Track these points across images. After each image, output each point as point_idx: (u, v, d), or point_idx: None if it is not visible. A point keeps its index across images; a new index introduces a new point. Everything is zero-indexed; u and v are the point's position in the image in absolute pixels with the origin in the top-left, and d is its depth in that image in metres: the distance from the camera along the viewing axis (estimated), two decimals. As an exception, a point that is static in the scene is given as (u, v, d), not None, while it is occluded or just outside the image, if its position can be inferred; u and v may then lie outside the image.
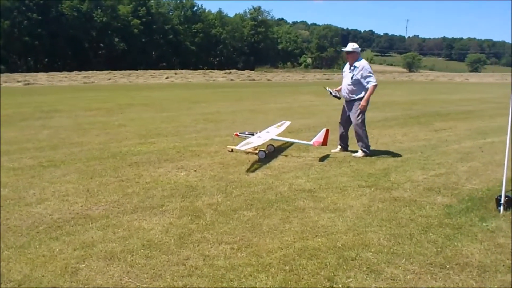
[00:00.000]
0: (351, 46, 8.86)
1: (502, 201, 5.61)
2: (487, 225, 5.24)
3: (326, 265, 4.25)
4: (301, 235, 4.96)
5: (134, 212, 5.63)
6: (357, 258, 4.40)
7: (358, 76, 8.68)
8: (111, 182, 6.90)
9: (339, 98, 9.34)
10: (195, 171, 7.60)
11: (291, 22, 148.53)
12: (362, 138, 8.85)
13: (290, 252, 4.52)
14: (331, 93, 9.29)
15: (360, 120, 8.81)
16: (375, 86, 8.66)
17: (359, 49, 9.01)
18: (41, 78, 38.93)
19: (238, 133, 9.18)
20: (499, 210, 5.62)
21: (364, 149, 8.88)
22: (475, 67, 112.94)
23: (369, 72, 8.65)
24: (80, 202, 5.98)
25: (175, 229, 5.09)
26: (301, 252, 4.53)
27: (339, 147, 9.36)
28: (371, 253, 4.50)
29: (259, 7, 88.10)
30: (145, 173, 7.44)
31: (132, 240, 4.79)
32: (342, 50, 9.54)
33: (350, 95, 8.85)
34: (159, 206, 5.83)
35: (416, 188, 6.76)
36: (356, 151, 8.99)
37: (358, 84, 8.72)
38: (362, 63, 8.75)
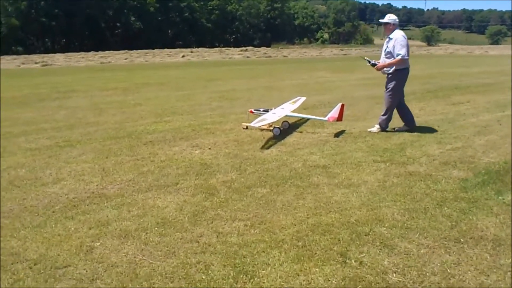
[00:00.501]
0: (388, 18, 8.53)
1: (520, 174, 5.52)
2: (503, 198, 5.17)
3: (339, 240, 4.25)
4: (314, 211, 4.96)
5: (148, 190, 5.69)
6: (370, 233, 4.39)
7: (391, 49, 8.34)
8: (127, 161, 6.97)
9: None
10: (209, 149, 7.62)
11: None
12: (385, 113, 8.63)
13: (303, 228, 4.52)
14: (369, 61, 8.81)
15: (389, 94, 8.51)
16: (402, 59, 8.23)
17: (396, 20, 8.54)
18: (59, 59, 39.19)
19: (253, 110, 9.15)
20: (517, 184, 5.53)
21: (382, 124, 8.70)
22: (495, 40, 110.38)
23: (401, 45, 8.20)
24: (95, 181, 6.06)
25: (189, 206, 5.13)
26: (314, 228, 4.53)
27: (403, 125, 8.95)
28: (384, 228, 4.48)
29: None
30: (160, 151, 7.49)
31: (147, 218, 4.84)
32: (380, 22, 9.00)
33: (384, 68, 8.55)
34: (173, 184, 5.88)
35: (432, 163, 6.68)
36: (374, 126, 8.86)
37: (391, 57, 8.39)
38: (396, 35, 8.32)
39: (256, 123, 7.94)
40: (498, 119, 9.99)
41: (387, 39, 8.50)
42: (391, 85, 8.47)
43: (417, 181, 5.86)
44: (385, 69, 8.52)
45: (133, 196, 5.49)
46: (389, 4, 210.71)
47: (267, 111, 8.88)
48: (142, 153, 7.38)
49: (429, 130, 8.91)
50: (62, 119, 10.52)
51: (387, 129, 8.75)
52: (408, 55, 8.27)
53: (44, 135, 8.79)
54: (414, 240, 4.23)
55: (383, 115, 8.70)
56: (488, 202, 5.12)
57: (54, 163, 6.90)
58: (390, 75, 8.49)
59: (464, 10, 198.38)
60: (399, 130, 8.78)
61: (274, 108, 9.01)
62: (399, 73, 8.43)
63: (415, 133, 8.60)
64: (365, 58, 9.10)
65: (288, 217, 4.80)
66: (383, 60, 8.58)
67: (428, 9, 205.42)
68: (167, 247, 4.19)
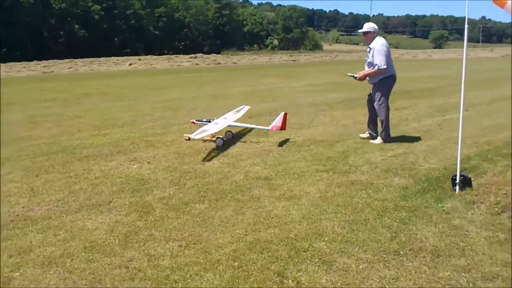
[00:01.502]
0: (366, 27, 8.27)
1: (457, 181, 5.53)
2: (442, 206, 5.15)
3: (277, 258, 4.07)
4: (253, 227, 4.77)
5: (79, 211, 5.33)
6: (309, 249, 4.23)
7: (371, 59, 8.11)
8: (58, 179, 6.55)
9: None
10: (148, 162, 7.31)
11: (256, 4, 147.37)
12: (385, 122, 8.35)
13: (241, 246, 4.32)
14: (354, 76, 8.53)
15: (379, 104, 8.25)
16: (379, 69, 8.00)
17: (374, 28, 8.22)
18: (-2, 69, 37.43)
19: (194, 121, 8.88)
20: (455, 190, 5.54)
21: (383, 136, 8.39)
22: (438, 44, 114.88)
23: (378, 53, 7.97)
24: (22, 202, 5.64)
25: (121, 227, 4.83)
26: (252, 245, 4.34)
27: (367, 133, 8.74)
28: (324, 243, 4.34)
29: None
30: (95, 167, 7.10)
31: (74, 242, 4.51)
32: (358, 32, 8.76)
33: (368, 79, 8.33)
34: (106, 203, 5.55)
35: (374, 170, 6.64)
36: (376, 137, 8.52)
37: (372, 67, 8.15)
38: (375, 43, 8.07)
39: (197, 134, 7.70)
40: (439, 124, 10.17)
41: (368, 49, 8.23)
42: (378, 95, 8.25)
43: (358, 191, 5.78)
44: (368, 79, 8.31)
45: (61, 218, 5.13)
46: (336, 10, 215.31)
47: (209, 121, 8.65)
48: (76, 170, 6.98)
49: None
50: (-7, 134, 9.87)
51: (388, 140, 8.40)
52: (386, 64, 7.97)
53: (-30, 152, 8.19)
54: (353, 254, 4.10)
55: (385, 124, 8.38)
56: (428, 210, 5.08)
57: (-23, 184, 6.40)
58: (375, 85, 8.31)
59: (408, 16, 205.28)
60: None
61: (217, 118, 8.79)
62: (383, 82, 8.20)
63: (359, 140, 8.60)
64: (348, 74, 8.81)
65: (226, 235, 4.59)
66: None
67: (373, 15, 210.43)
68: (93, 274, 3.89)
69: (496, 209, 4.98)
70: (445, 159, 7.18)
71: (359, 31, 8.50)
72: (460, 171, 5.65)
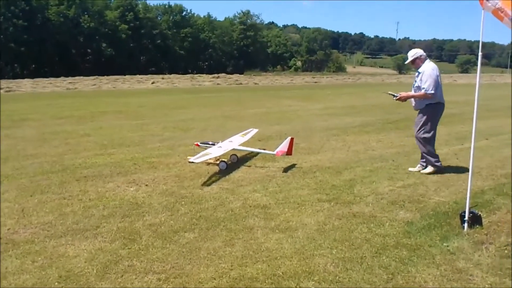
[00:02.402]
0: (413, 53, 7.83)
1: (466, 218, 5.14)
2: (447, 246, 4.76)
3: (259, 298, 3.76)
4: (240, 261, 4.47)
5: (63, 235, 5.12)
6: (296, 289, 3.91)
7: (419, 83, 7.64)
8: (51, 199, 6.37)
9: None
10: (146, 185, 7.09)
11: (281, 26, 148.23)
12: (426, 153, 7.83)
13: (223, 283, 4.03)
14: (394, 95, 8.05)
15: (421, 134, 7.75)
16: (425, 94, 7.50)
17: (421, 53, 7.78)
18: (26, 85, 38.10)
19: (198, 143, 8.66)
20: (463, 227, 5.14)
21: (433, 165, 7.85)
22: (465, 68, 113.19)
23: (427, 77, 7.49)
24: (9, 224, 5.46)
25: (102, 255, 4.58)
26: (235, 282, 4.04)
27: (419, 165, 8.11)
28: (313, 282, 4.02)
29: (248, 11, 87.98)
30: (91, 188, 6.91)
31: (50, 270, 4.28)
32: (405, 63, 8.28)
33: (413, 104, 7.92)
34: (93, 228, 5.32)
35: (379, 202, 6.28)
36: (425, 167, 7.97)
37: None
38: (424, 68, 7.63)
39: (198, 157, 7.46)
40: (455, 153, 9.73)
41: (417, 73, 7.81)
42: (421, 123, 7.75)
43: (359, 224, 5.43)
44: (414, 105, 7.89)
45: (44, 243, 4.92)
46: (361, 33, 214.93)
47: (213, 144, 8.42)
48: (71, 191, 6.80)
49: (383, 164, 8.56)
50: (2, 150, 9.80)
51: (438, 165, 7.87)
52: (434, 88, 7.47)
53: (-28, 169, 8.11)
54: (343, 297, 3.77)
55: (427, 155, 7.86)
56: (431, 249, 4.70)
57: (-32, 202, 6.26)
58: (420, 111, 7.83)
59: (434, 40, 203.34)
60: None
61: (221, 141, 8.56)
62: (430, 108, 7.69)
63: (368, 168, 8.24)
64: (389, 92, 8.29)
65: (210, 269, 4.29)
66: None
67: (399, 39, 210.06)
68: (61, 308, 3.63)
69: (506, 251, 4.59)
70: (457, 192, 6.76)
71: (407, 62, 8.02)
72: (471, 207, 5.27)
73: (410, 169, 8.12)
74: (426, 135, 7.76)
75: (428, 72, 7.56)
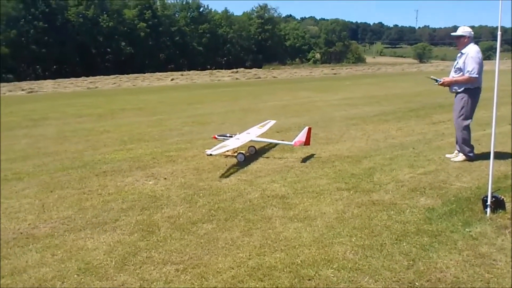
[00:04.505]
0: (461, 30, 7.55)
1: (489, 202, 5.01)
2: (470, 231, 4.65)
3: (277, 287, 3.72)
4: (259, 250, 4.44)
5: (83, 229, 5.16)
6: (314, 277, 3.87)
7: (461, 65, 7.42)
8: (71, 195, 6.43)
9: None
10: (165, 179, 7.10)
11: (299, 18, 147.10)
12: (461, 141, 7.69)
13: (241, 272, 4.00)
14: (436, 80, 7.85)
15: (461, 120, 7.58)
16: (470, 78, 7.31)
17: (470, 33, 7.51)
18: (47, 85, 38.72)
19: (216, 136, 8.65)
20: (486, 212, 5.02)
21: (465, 154, 7.71)
22: (487, 55, 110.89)
23: (473, 61, 7.27)
24: (29, 219, 5.53)
25: (121, 248, 4.60)
26: (254, 271, 4.01)
27: (455, 151, 7.98)
28: (332, 270, 3.96)
29: (265, 5, 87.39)
30: (111, 183, 6.96)
31: (70, 263, 4.31)
32: (452, 35, 7.90)
33: (452, 86, 7.65)
34: (112, 221, 5.35)
35: (399, 189, 6.17)
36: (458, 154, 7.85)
37: (461, 74, 7.48)
38: (469, 49, 7.38)
39: (216, 150, 7.44)
40: (477, 139, 9.49)
41: (459, 54, 7.58)
42: (459, 106, 7.58)
43: (379, 212, 5.35)
44: (453, 87, 7.66)
45: (64, 237, 4.96)
46: (381, 23, 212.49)
47: (231, 136, 8.39)
48: (91, 186, 6.86)
49: (403, 152, 8.42)
50: (22, 149, 9.97)
51: (471, 154, 7.73)
52: (478, 73, 7.31)
53: (-5, 167, 8.25)
54: (362, 285, 3.71)
55: (463, 143, 7.71)
56: (453, 235, 4.60)
57: (-9, 199, 6.36)
58: (458, 95, 7.63)
59: (455, 27, 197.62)
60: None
61: (239, 133, 8.52)
62: (469, 93, 7.48)
63: (388, 156, 8.12)
64: (431, 77, 8.16)
65: (228, 259, 4.27)
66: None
67: (419, 27, 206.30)
68: (80, 300, 3.65)
69: (530, 235, 4.45)
70: (480, 177, 6.60)
71: (453, 34, 7.75)
72: (493, 191, 5.13)
73: (447, 155, 7.97)
74: (465, 122, 7.59)
75: (472, 55, 7.34)
